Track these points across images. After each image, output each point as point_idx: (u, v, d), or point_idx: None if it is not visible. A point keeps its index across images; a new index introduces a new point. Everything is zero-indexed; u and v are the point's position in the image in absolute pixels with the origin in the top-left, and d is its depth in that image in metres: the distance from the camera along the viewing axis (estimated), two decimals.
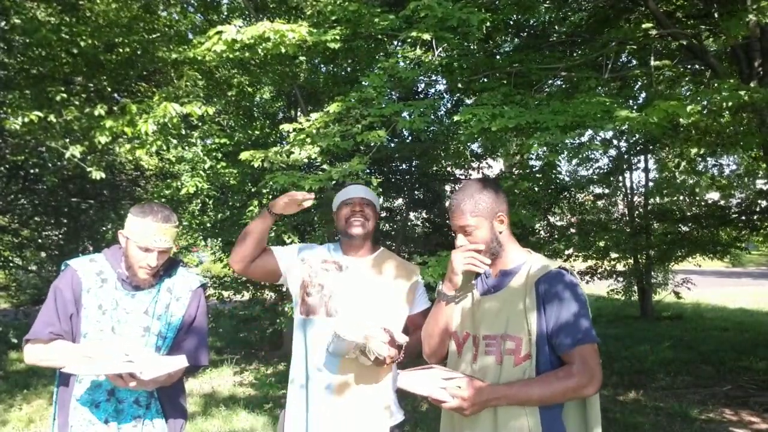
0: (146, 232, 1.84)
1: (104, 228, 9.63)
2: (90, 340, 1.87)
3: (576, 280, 1.68)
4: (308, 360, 2.02)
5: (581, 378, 1.54)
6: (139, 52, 5.71)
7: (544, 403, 1.57)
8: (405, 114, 3.89)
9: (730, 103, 3.05)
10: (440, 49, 3.83)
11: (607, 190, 9.99)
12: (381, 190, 4.42)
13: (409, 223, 8.14)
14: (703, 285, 13.45)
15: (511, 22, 5.67)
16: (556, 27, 6.26)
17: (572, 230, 8.47)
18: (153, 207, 1.89)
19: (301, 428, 1.99)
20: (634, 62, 5.89)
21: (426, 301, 2.14)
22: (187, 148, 5.67)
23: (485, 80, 4.39)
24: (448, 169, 7.96)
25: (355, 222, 2.06)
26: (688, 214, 8.20)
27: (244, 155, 3.89)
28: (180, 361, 1.78)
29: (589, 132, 6.12)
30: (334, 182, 3.61)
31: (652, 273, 10.06)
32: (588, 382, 1.55)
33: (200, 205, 6.35)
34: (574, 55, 5.43)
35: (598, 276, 9.30)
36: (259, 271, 2.13)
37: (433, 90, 7.09)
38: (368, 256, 2.14)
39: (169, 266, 2.02)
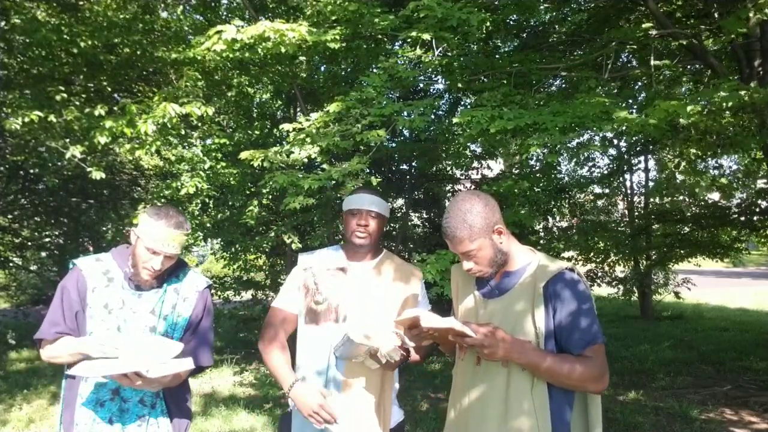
0: (157, 235, 1.84)
1: (104, 228, 9.63)
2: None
3: (583, 280, 1.68)
4: (316, 366, 2.03)
5: (597, 370, 1.56)
6: (138, 53, 5.71)
7: (552, 376, 1.57)
8: (405, 114, 3.89)
9: (730, 103, 3.04)
10: (440, 49, 3.83)
11: (607, 191, 9.98)
12: (381, 190, 4.41)
13: (409, 223, 8.14)
14: (703, 285, 13.45)
15: (511, 23, 5.67)
16: (556, 27, 6.26)
17: (572, 231, 8.45)
18: (169, 211, 1.89)
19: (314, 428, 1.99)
20: (634, 62, 5.89)
21: (428, 305, 2.15)
22: (186, 148, 5.67)
23: (485, 80, 4.39)
24: (448, 169, 7.95)
25: (359, 234, 2.07)
26: (688, 214, 8.19)
27: (244, 155, 3.89)
28: (186, 363, 1.77)
29: (589, 132, 6.12)
30: (333, 182, 3.62)
31: (653, 273, 10.05)
32: (600, 377, 1.57)
33: (200, 205, 6.34)
34: (574, 55, 5.43)
35: (598, 283, 9.29)
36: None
37: (432, 89, 7.10)
38: (372, 260, 2.14)
39: (176, 267, 2.01)
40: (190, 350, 1.98)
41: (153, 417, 1.92)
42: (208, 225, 6.39)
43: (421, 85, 6.21)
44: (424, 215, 8.63)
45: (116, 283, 1.94)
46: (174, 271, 2.01)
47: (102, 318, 1.89)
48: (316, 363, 2.02)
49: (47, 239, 9.83)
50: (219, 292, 7.58)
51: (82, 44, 5.29)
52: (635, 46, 5.03)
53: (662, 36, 4.49)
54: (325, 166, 3.91)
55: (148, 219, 1.87)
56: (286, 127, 3.85)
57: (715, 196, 9.58)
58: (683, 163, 8.66)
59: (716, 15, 4.73)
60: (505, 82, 4.30)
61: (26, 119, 4.63)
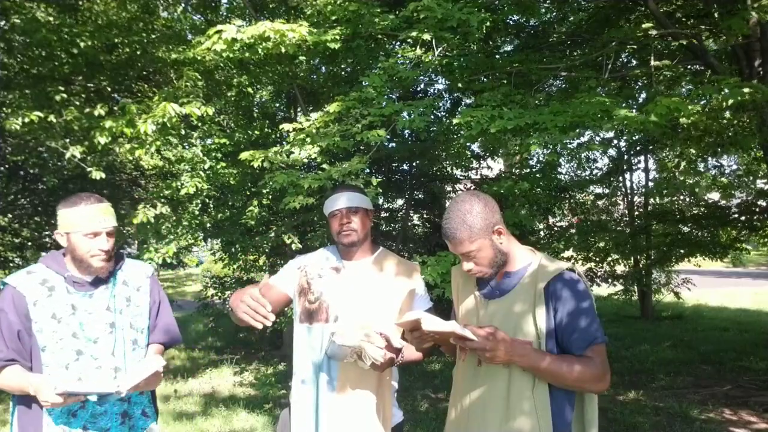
0: (87, 217, 1.81)
1: None
2: (50, 352, 1.80)
3: (584, 281, 1.68)
4: (310, 366, 2.01)
5: (598, 370, 1.56)
6: (138, 53, 5.71)
7: (552, 377, 1.57)
8: (405, 114, 3.89)
9: (731, 101, 3.04)
10: (440, 49, 3.83)
11: (607, 190, 9.98)
12: (381, 190, 4.41)
13: (409, 224, 8.14)
14: (703, 285, 13.44)
15: (511, 23, 5.67)
16: (556, 27, 6.26)
17: (572, 231, 8.45)
18: (81, 195, 1.87)
19: (309, 428, 1.98)
20: (634, 62, 5.89)
21: (428, 302, 2.12)
22: (186, 148, 5.67)
23: (485, 80, 4.40)
24: (448, 169, 7.95)
25: (345, 233, 2.06)
26: (688, 214, 8.19)
27: (244, 155, 3.89)
28: (156, 363, 1.74)
29: (589, 132, 6.13)
30: (334, 182, 3.62)
31: (653, 273, 10.05)
32: (602, 376, 1.57)
33: (200, 205, 6.34)
34: (574, 55, 5.43)
35: (597, 282, 9.29)
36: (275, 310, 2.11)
37: (432, 89, 7.10)
38: (367, 258, 2.12)
39: (117, 260, 1.99)
40: (161, 332, 2.02)
41: (134, 409, 1.90)
42: (208, 225, 6.38)
43: (422, 85, 6.22)
44: (424, 215, 8.63)
45: (59, 291, 1.85)
46: (116, 263, 1.98)
47: (53, 329, 1.81)
48: (310, 362, 2.01)
49: (47, 239, 9.82)
50: (219, 292, 7.58)
51: (82, 44, 5.28)
52: (635, 46, 5.03)
53: (662, 36, 4.49)
54: (325, 166, 3.91)
55: (67, 211, 1.83)
56: (286, 127, 3.86)
57: (715, 196, 9.57)
58: (683, 163, 8.66)
59: (716, 15, 4.74)
60: (505, 82, 4.31)
61: (26, 119, 4.63)
